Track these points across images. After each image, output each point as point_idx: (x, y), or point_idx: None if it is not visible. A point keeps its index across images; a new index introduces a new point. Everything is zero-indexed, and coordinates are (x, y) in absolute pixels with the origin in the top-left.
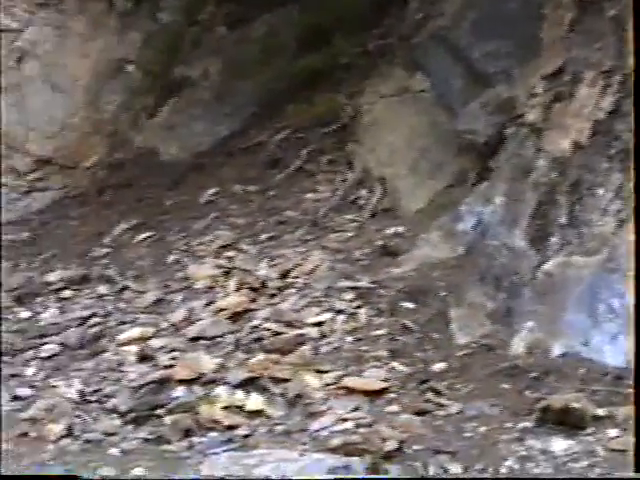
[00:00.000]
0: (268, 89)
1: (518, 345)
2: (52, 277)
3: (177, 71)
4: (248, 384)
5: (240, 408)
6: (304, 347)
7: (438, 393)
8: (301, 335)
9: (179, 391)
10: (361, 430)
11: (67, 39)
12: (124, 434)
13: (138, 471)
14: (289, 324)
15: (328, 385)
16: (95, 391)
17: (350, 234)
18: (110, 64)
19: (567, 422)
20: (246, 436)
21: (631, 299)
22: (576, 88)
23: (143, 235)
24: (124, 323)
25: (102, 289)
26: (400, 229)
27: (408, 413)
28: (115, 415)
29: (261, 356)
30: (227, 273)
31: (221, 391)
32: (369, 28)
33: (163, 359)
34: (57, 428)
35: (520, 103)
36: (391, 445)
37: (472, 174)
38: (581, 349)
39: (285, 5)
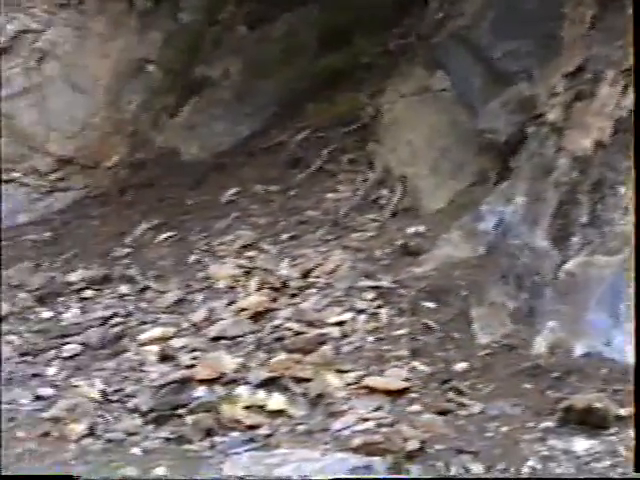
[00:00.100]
0: (289, 89)
1: (540, 345)
2: (74, 277)
3: (198, 71)
4: (269, 384)
5: (261, 408)
6: (325, 347)
7: (460, 393)
8: (322, 335)
9: (200, 391)
10: (383, 430)
11: (87, 39)
12: (145, 434)
13: (160, 471)
14: (310, 324)
15: (349, 385)
16: (116, 391)
17: (371, 234)
18: (131, 64)
19: (589, 422)
20: (268, 436)
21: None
22: (597, 86)
23: (164, 235)
24: (145, 323)
25: (123, 289)
26: (421, 228)
27: (430, 413)
28: (136, 415)
29: (282, 356)
30: (248, 273)
31: (242, 391)
32: (390, 27)
33: (184, 359)
34: (79, 428)
35: (541, 102)
36: (413, 445)
37: (493, 173)
38: (603, 349)
39: (306, 4)
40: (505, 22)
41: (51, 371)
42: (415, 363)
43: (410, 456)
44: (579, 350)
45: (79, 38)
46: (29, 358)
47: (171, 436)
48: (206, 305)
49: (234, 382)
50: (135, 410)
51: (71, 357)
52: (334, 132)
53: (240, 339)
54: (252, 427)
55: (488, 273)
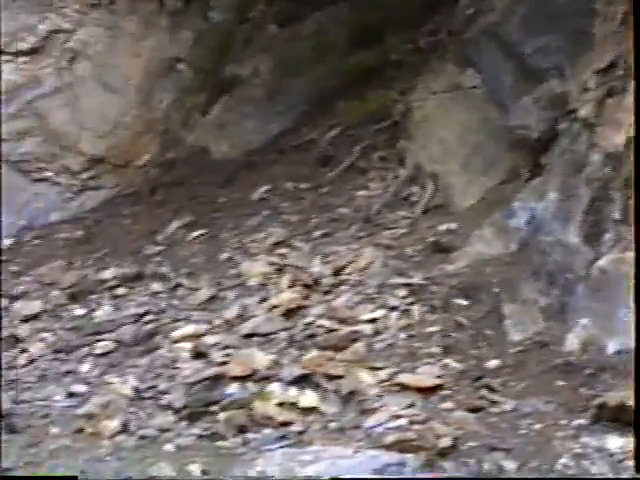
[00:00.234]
0: (319, 87)
1: (572, 342)
2: (106, 275)
3: (228, 69)
4: (302, 381)
5: (294, 405)
6: (358, 344)
7: (492, 390)
8: (355, 332)
9: (233, 388)
10: (415, 427)
11: (119, 39)
12: (179, 430)
13: (193, 467)
14: (342, 321)
15: (382, 382)
16: (150, 388)
17: (402, 231)
18: (161, 63)
19: (622, 419)
20: (300, 433)
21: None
22: (629, 82)
23: (196, 233)
24: (178, 320)
25: (156, 286)
26: (452, 225)
27: (462, 410)
28: (170, 411)
29: (315, 353)
30: (280, 270)
31: (275, 388)
32: (420, 25)
33: (217, 356)
34: (112, 424)
35: (572, 98)
36: (445, 442)
37: (525, 170)
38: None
39: (336, 3)
40: (536, 18)
41: (84, 368)
42: (447, 360)
43: (443, 453)
44: (612, 347)
45: (110, 38)
46: (62, 355)
47: (204, 433)
48: (238, 302)
49: (266, 379)
50: (168, 407)
51: (104, 354)
52: (365, 130)
53: (272, 336)
54: (284, 424)
55: (520, 270)
